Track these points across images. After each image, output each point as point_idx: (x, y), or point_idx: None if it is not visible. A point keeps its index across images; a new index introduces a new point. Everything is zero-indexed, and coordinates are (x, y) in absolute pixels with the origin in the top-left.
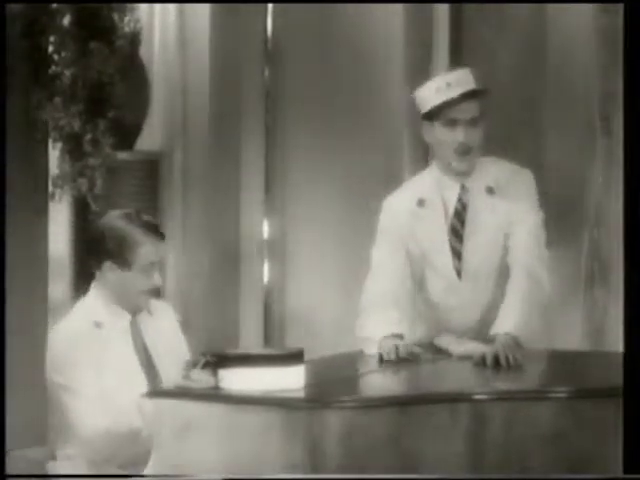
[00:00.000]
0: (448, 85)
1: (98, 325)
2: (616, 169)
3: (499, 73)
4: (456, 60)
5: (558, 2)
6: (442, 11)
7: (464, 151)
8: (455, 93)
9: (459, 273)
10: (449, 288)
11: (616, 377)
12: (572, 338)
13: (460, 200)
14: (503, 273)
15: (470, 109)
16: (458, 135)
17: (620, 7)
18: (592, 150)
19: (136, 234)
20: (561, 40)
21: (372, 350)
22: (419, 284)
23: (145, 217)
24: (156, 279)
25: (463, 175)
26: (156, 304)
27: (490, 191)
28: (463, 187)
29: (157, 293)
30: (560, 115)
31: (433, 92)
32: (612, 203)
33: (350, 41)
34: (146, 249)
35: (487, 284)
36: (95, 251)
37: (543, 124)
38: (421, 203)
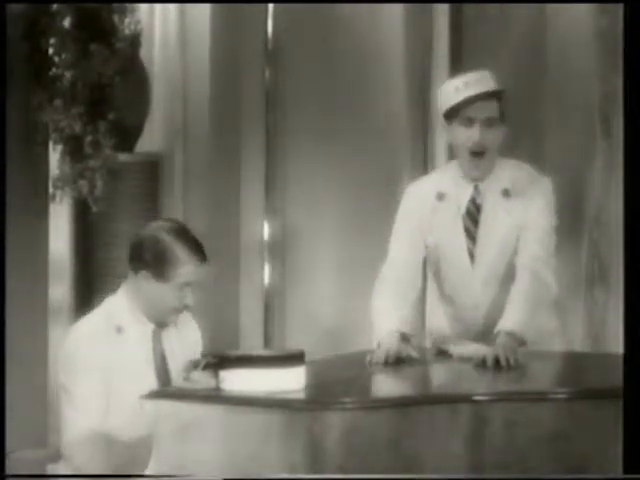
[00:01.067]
0: (466, 85)
1: (119, 330)
2: (616, 170)
3: (499, 74)
4: (456, 60)
5: (558, 2)
6: (442, 11)
7: (479, 152)
8: (472, 92)
9: (472, 271)
10: (462, 285)
11: (616, 378)
12: (572, 338)
13: (473, 201)
14: (512, 275)
15: (487, 108)
16: (474, 134)
17: (620, 9)
18: (592, 151)
19: (181, 252)
20: (561, 41)
21: (374, 341)
22: (435, 274)
23: (192, 234)
24: (188, 299)
25: (475, 180)
26: (183, 317)
27: (506, 194)
28: (476, 188)
29: (186, 310)
30: (560, 116)
31: (452, 92)
32: (612, 203)
33: (350, 41)
34: (187, 269)
35: (498, 285)
36: (135, 257)
37: (543, 125)
38: (440, 197)
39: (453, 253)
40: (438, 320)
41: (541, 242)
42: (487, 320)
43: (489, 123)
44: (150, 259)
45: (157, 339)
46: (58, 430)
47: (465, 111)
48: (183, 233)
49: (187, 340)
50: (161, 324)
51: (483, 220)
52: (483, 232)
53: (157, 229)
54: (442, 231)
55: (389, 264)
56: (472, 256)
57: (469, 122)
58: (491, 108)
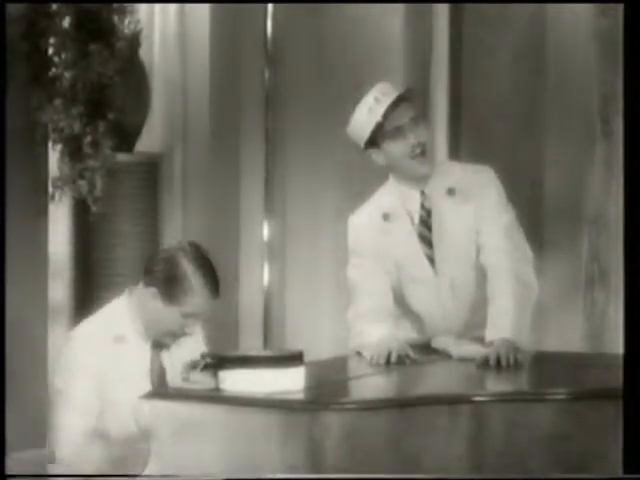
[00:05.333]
0: (377, 100)
1: (118, 339)
2: (616, 170)
3: (499, 74)
4: (456, 60)
5: (558, 2)
6: (442, 11)
7: (421, 152)
8: (387, 101)
9: (436, 278)
10: (429, 295)
11: (615, 378)
12: (572, 339)
13: (423, 207)
14: (481, 273)
15: (406, 110)
16: (408, 140)
17: (620, 9)
18: (592, 152)
19: (196, 282)
20: (561, 42)
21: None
22: (399, 296)
23: (212, 267)
24: (189, 328)
25: (424, 179)
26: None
27: (451, 192)
28: (423, 193)
29: (185, 336)
30: (560, 117)
31: (366, 113)
32: (612, 204)
33: (350, 42)
34: (197, 300)
35: (467, 285)
36: (149, 272)
37: (543, 126)
38: (386, 217)
39: (413, 266)
40: (405, 334)
41: (507, 237)
42: (467, 323)
43: (415, 122)
44: (163, 279)
45: (156, 354)
46: (53, 433)
47: (390, 123)
48: (204, 264)
49: (188, 352)
50: (157, 343)
51: (435, 223)
52: (438, 235)
53: (180, 252)
54: (398, 249)
55: (357, 298)
56: (433, 263)
57: (398, 132)
58: (409, 108)
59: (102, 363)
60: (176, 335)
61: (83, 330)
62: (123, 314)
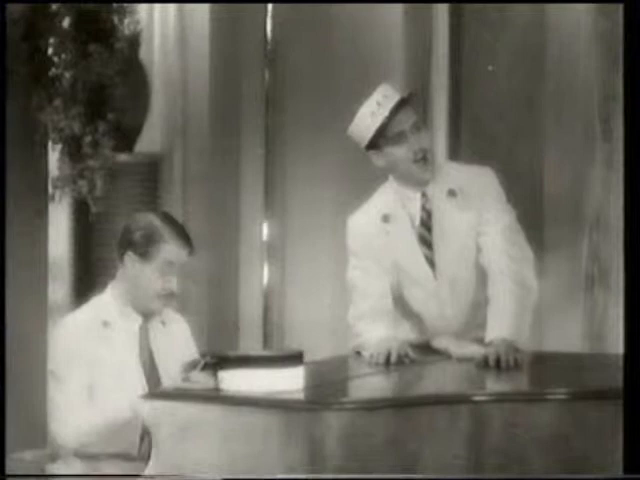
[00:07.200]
0: (379, 104)
1: (106, 324)
2: (616, 171)
3: (498, 75)
4: (456, 61)
5: (558, 2)
6: (442, 11)
7: (422, 157)
8: (389, 105)
9: (436, 280)
10: (428, 297)
11: (615, 379)
12: (572, 339)
13: (424, 208)
14: (481, 274)
15: (408, 116)
16: (410, 145)
17: (620, 9)
18: (592, 152)
19: (164, 231)
20: (561, 42)
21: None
22: (398, 297)
23: (179, 222)
24: (172, 283)
25: (425, 184)
26: (171, 315)
27: (452, 194)
28: (424, 195)
29: (172, 300)
30: (560, 117)
31: (369, 117)
32: (612, 205)
33: (350, 43)
34: (170, 248)
35: (467, 286)
36: (122, 241)
37: (543, 126)
38: (386, 218)
39: (413, 268)
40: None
41: (507, 239)
42: (467, 323)
43: (417, 127)
44: (135, 238)
45: (144, 335)
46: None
47: (392, 128)
48: (170, 219)
49: (176, 338)
50: (147, 313)
51: (436, 225)
52: (438, 237)
53: (145, 215)
54: (397, 251)
55: (357, 298)
56: (432, 265)
57: (400, 137)
58: (411, 114)
59: (92, 347)
60: (161, 296)
61: (71, 318)
62: (108, 302)
